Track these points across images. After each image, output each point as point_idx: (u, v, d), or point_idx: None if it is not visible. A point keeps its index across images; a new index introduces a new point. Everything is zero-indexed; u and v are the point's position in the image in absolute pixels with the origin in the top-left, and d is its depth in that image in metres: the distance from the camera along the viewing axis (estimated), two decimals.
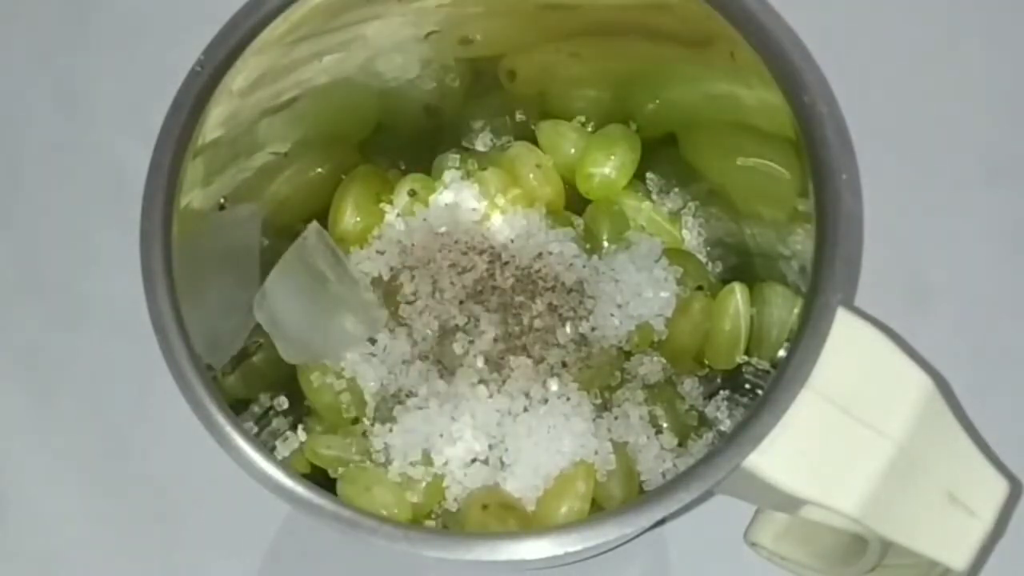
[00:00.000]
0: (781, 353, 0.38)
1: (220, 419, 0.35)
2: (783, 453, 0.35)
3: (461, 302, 0.45)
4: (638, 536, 0.45)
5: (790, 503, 0.36)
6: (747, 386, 0.44)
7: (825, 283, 0.36)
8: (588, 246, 0.46)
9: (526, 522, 0.42)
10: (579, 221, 0.47)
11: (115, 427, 0.50)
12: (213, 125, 0.39)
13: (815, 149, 0.37)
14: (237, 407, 0.41)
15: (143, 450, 0.49)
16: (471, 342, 0.44)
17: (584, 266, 0.46)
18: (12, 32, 0.56)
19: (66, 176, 0.53)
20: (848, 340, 0.35)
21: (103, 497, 0.49)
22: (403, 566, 0.48)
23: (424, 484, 0.43)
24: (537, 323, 0.44)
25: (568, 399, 0.43)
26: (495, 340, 0.44)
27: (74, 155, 0.53)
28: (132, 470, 0.49)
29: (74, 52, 0.55)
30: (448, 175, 0.47)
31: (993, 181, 0.52)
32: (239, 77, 0.39)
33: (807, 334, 0.35)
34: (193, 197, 0.39)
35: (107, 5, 0.56)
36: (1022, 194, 0.52)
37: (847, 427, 0.35)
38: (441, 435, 0.43)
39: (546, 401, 0.43)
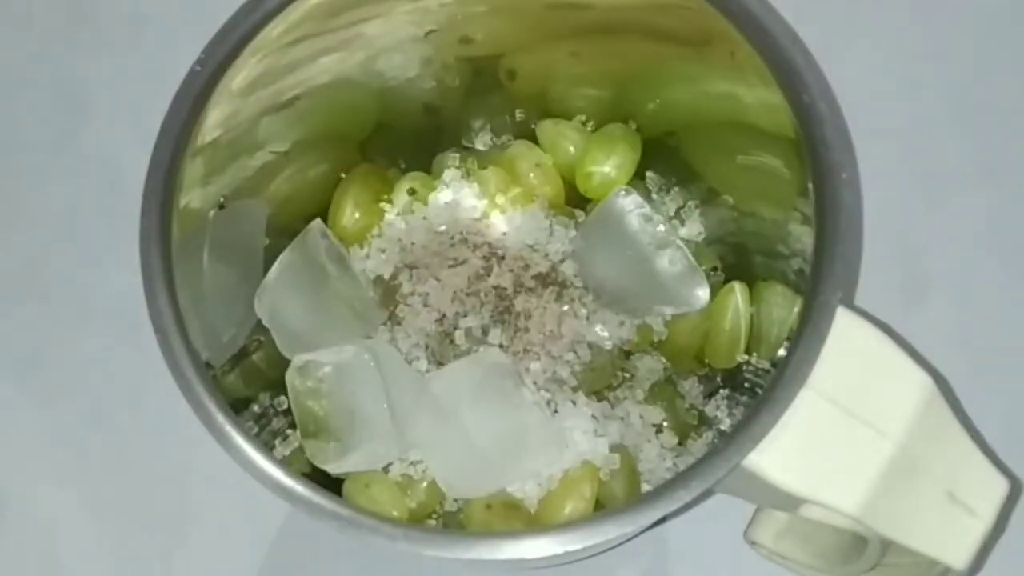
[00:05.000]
0: (781, 352, 0.38)
1: (220, 419, 0.35)
2: (783, 452, 0.35)
3: (461, 301, 0.45)
4: (639, 535, 0.45)
5: (790, 502, 0.36)
6: (747, 385, 0.44)
7: (825, 282, 0.35)
8: None
9: (530, 522, 0.41)
10: (581, 214, 0.47)
11: (115, 427, 0.50)
12: (213, 124, 0.39)
13: (815, 148, 0.37)
14: (237, 406, 0.41)
15: (143, 450, 0.49)
16: (471, 341, 0.44)
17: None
18: (12, 32, 0.56)
19: (66, 176, 0.53)
20: (848, 339, 0.35)
21: (103, 497, 0.49)
22: (403, 566, 0.48)
23: (425, 484, 0.43)
24: (537, 322, 0.44)
25: (569, 399, 0.43)
26: (495, 339, 0.44)
27: (74, 155, 0.53)
28: (132, 470, 0.49)
29: (74, 52, 0.55)
30: (448, 174, 0.47)
31: (992, 179, 0.52)
32: (239, 76, 0.39)
33: (807, 333, 0.35)
34: (193, 196, 0.39)
35: (107, 5, 0.56)
36: (1020, 191, 0.51)
37: (847, 426, 0.35)
38: None
39: (549, 402, 0.43)
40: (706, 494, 0.35)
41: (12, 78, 0.55)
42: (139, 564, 0.48)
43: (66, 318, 0.51)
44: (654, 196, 0.48)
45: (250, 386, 0.43)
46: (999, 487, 0.36)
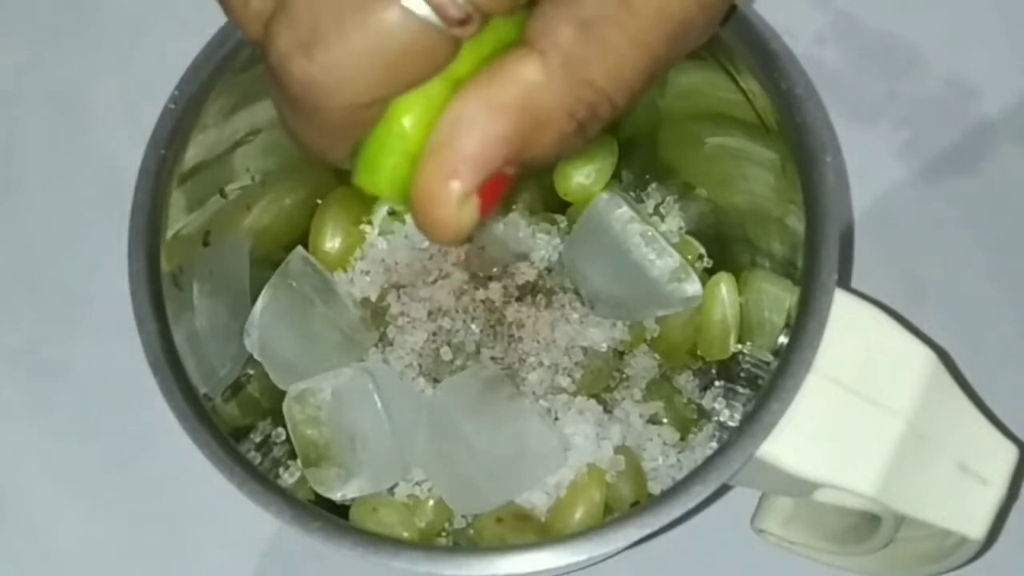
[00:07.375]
0: (782, 339, 0.38)
1: (230, 459, 0.35)
2: (795, 439, 0.35)
3: (450, 316, 0.45)
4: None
5: (804, 487, 0.36)
6: (743, 375, 0.45)
7: (820, 265, 0.36)
8: None
9: (542, 532, 0.41)
10: (562, 219, 0.47)
11: (113, 427, 0.49)
12: (190, 160, 0.39)
13: (797, 134, 0.37)
14: (238, 435, 0.40)
15: (141, 450, 0.49)
16: (464, 356, 0.44)
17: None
18: (12, 32, 0.55)
19: (63, 177, 0.53)
20: (848, 320, 0.35)
21: (102, 497, 0.49)
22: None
23: (431, 503, 0.43)
24: (530, 330, 0.44)
25: (569, 405, 0.43)
26: (488, 350, 0.44)
27: (72, 156, 0.53)
28: (130, 470, 0.49)
29: (72, 52, 0.54)
30: None
31: (979, 165, 0.52)
32: (212, 109, 0.39)
33: (807, 317, 0.35)
34: (177, 235, 0.38)
35: (107, 5, 0.55)
36: (1006, 173, 0.52)
37: (855, 407, 0.35)
38: None
39: (548, 409, 0.43)
40: (721, 489, 0.35)
41: (12, 78, 0.54)
42: (138, 563, 0.48)
43: (63, 319, 0.51)
44: (631, 195, 0.48)
45: (248, 415, 0.42)
46: (1009, 454, 0.36)
